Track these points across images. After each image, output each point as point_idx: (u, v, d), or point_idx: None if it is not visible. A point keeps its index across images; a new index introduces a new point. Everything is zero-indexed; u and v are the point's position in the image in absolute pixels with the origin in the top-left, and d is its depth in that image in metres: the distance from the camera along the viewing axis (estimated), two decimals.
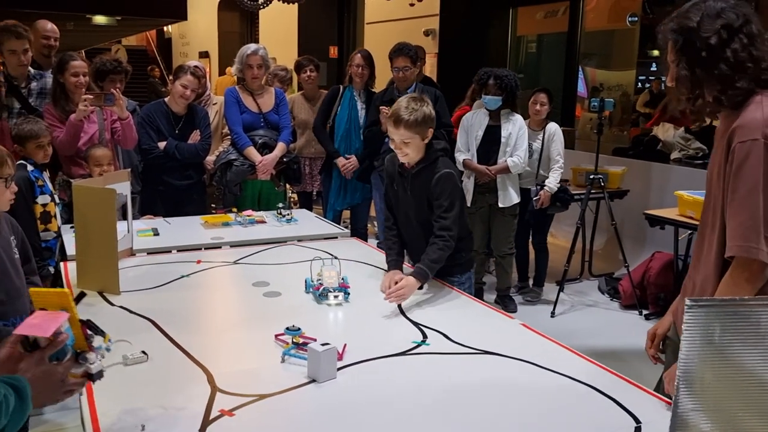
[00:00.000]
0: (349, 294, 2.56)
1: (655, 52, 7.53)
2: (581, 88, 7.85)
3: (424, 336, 2.24)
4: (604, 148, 5.60)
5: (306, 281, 2.66)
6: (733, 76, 1.66)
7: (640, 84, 8.18)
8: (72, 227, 2.76)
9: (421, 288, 2.65)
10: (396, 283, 2.57)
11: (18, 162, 3.25)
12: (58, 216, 3.40)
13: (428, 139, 2.71)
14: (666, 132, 6.61)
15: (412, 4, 7.51)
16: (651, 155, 6.40)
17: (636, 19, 7.46)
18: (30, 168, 3.27)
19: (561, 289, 5.02)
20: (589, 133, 7.12)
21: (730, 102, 1.69)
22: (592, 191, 5.12)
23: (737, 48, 1.64)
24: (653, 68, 8.05)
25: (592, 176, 5.09)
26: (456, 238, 2.71)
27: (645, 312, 4.89)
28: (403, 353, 2.11)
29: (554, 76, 7.91)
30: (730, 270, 1.69)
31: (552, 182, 4.82)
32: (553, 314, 4.82)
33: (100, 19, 12.35)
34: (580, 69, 7.74)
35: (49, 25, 4.57)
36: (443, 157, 2.78)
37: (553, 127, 4.97)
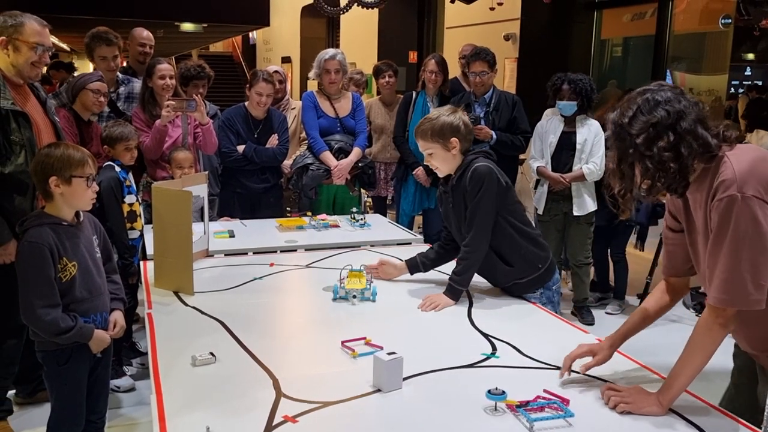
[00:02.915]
0: (370, 292, 2.62)
1: (750, 56, 7.16)
2: None
3: (494, 348, 2.18)
4: None
5: (334, 288, 2.64)
6: (656, 174, 1.71)
7: (732, 89, 7.79)
8: (152, 227, 2.84)
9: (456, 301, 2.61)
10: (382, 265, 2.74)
11: (107, 163, 3.39)
12: (142, 215, 3.52)
13: (456, 149, 2.59)
14: (761, 139, 6.25)
15: (492, 8, 7.42)
16: None
17: (729, 21, 7.12)
18: (118, 169, 3.39)
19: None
20: None
21: (672, 192, 1.77)
22: None
23: (663, 146, 1.68)
24: (748, 72, 7.66)
25: None
26: (483, 243, 2.58)
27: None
28: (471, 365, 2.05)
29: (640, 80, 7.62)
30: (706, 314, 1.75)
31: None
32: None
33: (187, 26, 12.81)
34: (668, 73, 7.45)
35: (145, 33, 4.75)
36: (478, 158, 2.63)
37: None
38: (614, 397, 1.80)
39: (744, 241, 1.64)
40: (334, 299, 2.62)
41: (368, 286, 2.64)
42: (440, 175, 2.71)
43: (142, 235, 3.49)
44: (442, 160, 2.63)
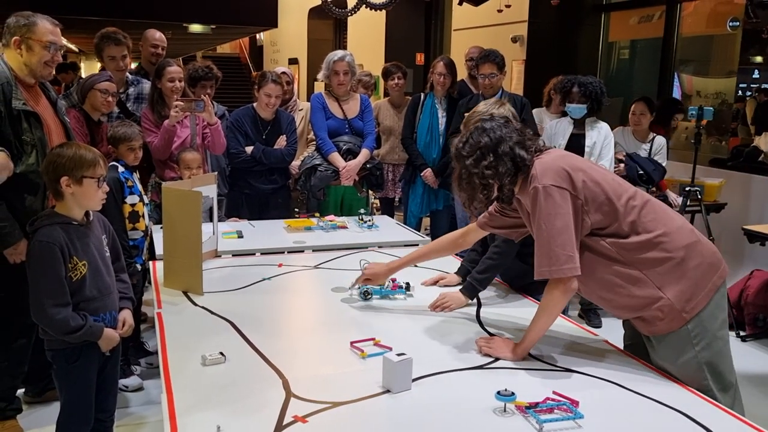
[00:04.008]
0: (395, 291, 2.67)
1: (759, 59, 7.13)
2: (676, 96, 7.52)
3: None
4: (700, 159, 5.34)
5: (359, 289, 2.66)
6: (487, 187, 2.13)
7: (740, 92, 7.77)
8: (162, 227, 2.85)
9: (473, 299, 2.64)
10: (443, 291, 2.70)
11: (110, 163, 3.39)
12: (146, 216, 3.52)
13: None
14: None
15: (500, 11, 7.40)
16: (751, 167, 6.05)
17: (737, 23, 7.09)
18: (121, 169, 3.40)
19: None
20: (684, 143, 6.81)
21: (501, 201, 2.24)
22: (688, 204, 4.88)
23: (485, 165, 2.10)
24: (756, 75, 7.63)
25: (687, 188, 4.85)
26: (514, 247, 2.62)
27: (742, 333, 4.62)
28: (481, 367, 2.06)
29: (648, 83, 7.61)
30: (549, 284, 2.09)
31: None
32: None
33: (196, 28, 12.84)
34: (675, 76, 7.43)
35: (158, 34, 4.77)
36: None
37: (661, 141, 4.79)
38: (483, 346, 2.17)
39: (549, 221, 2.02)
40: (364, 299, 2.63)
41: (389, 284, 2.68)
42: None
43: (146, 236, 3.48)
44: None
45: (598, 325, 4.65)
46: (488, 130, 2.14)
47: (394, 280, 2.71)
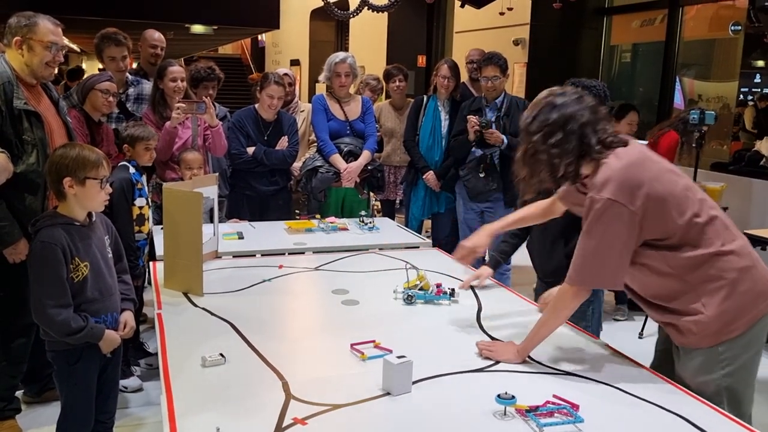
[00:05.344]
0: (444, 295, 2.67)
1: (760, 63, 7.13)
2: (678, 100, 7.53)
3: None
4: (701, 163, 5.33)
5: (404, 291, 2.67)
6: (553, 165, 2.02)
7: (742, 96, 7.77)
8: (162, 228, 2.85)
9: None
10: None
11: (121, 163, 3.39)
12: (151, 219, 3.52)
13: None
14: None
15: (502, 13, 7.40)
16: (753, 171, 6.05)
17: (739, 27, 7.09)
18: (132, 170, 3.40)
19: None
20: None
21: (564, 181, 2.09)
22: None
23: (552, 142, 2.00)
24: (757, 80, 7.62)
25: None
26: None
27: None
28: (481, 370, 2.05)
29: (650, 86, 7.62)
30: (565, 286, 2.07)
31: None
32: (641, 335, 4.61)
33: (197, 29, 12.85)
34: (677, 79, 7.43)
35: (157, 35, 4.76)
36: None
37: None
38: (484, 349, 2.15)
39: (598, 235, 1.96)
40: (408, 303, 2.63)
41: (433, 288, 2.68)
42: None
43: (148, 239, 3.49)
44: None
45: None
46: (558, 107, 2.02)
47: (439, 285, 2.69)
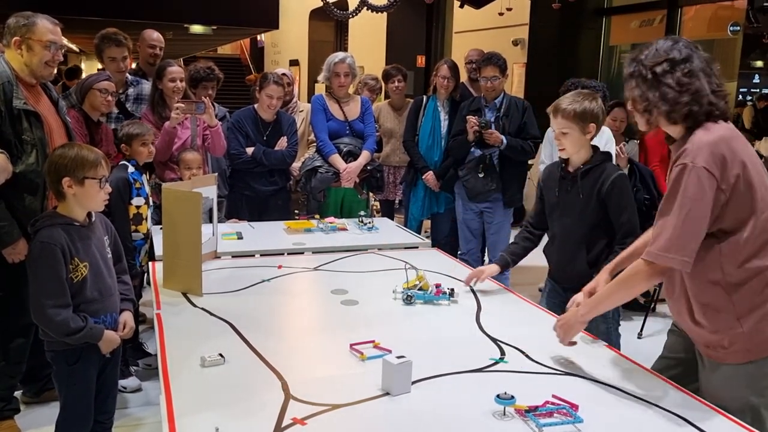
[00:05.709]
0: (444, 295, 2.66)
1: (759, 63, 7.13)
2: None
3: (503, 353, 2.18)
4: None
5: (403, 291, 2.67)
6: (676, 97, 1.93)
7: (740, 96, 7.77)
8: (161, 228, 2.85)
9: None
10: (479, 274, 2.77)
11: (120, 162, 3.39)
12: (149, 219, 3.52)
13: (590, 135, 2.68)
14: None
15: (501, 14, 7.41)
16: None
17: (738, 28, 7.10)
18: (131, 170, 3.40)
19: (650, 309, 4.81)
20: None
21: (678, 117, 1.96)
22: None
23: (678, 76, 1.93)
24: (756, 80, 7.63)
25: None
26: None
27: None
28: (480, 370, 2.05)
29: None
30: (642, 263, 1.96)
31: None
32: (640, 335, 4.62)
33: (197, 29, 12.85)
34: None
35: (155, 35, 4.76)
36: (609, 161, 2.77)
37: (633, 146, 4.80)
38: (562, 336, 2.13)
39: (688, 205, 1.85)
40: (407, 303, 2.62)
41: (433, 288, 2.67)
42: (564, 156, 2.76)
43: (145, 238, 3.48)
44: (573, 143, 2.68)
45: None
46: (673, 48, 1.96)
47: (438, 286, 2.68)
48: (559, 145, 2.72)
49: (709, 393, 1.99)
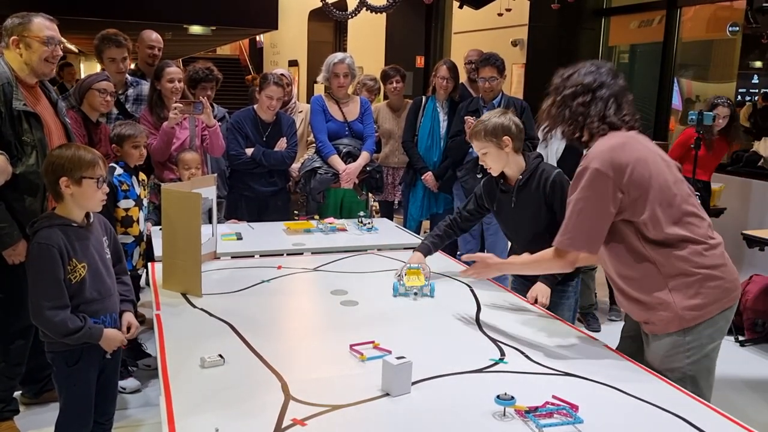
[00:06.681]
0: (428, 288, 2.73)
1: (758, 64, 7.14)
2: (676, 100, 7.53)
3: (502, 353, 2.18)
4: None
5: (394, 285, 2.74)
6: (576, 120, 2.22)
7: (740, 96, 7.78)
8: (161, 229, 2.84)
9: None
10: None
11: (109, 165, 3.38)
12: (142, 221, 3.50)
13: (509, 147, 2.77)
14: None
15: (500, 14, 7.40)
16: (751, 172, 6.05)
17: (737, 28, 7.10)
18: (119, 172, 3.38)
19: None
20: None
21: (569, 133, 2.26)
22: None
23: (582, 101, 2.19)
24: (755, 80, 7.63)
25: None
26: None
27: (741, 338, 4.62)
28: (480, 370, 2.05)
29: (648, 87, 7.62)
30: (554, 250, 2.25)
31: None
32: None
33: (196, 29, 12.84)
34: (675, 80, 7.44)
35: (154, 35, 4.76)
36: (542, 162, 2.87)
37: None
38: (469, 271, 2.61)
39: (585, 201, 2.11)
40: (395, 296, 2.70)
41: (427, 283, 2.73)
42: (494, 174, 2.87)
43: (138, 242, 3.47)
44: (495, 159, 2.80)
45: (597, 329, 4.65)
46: (595, 73, 2.21)
47: (427, 277, 2.78)
48: (485, 166, 2.84)
49: (652, 366, 2.14)
